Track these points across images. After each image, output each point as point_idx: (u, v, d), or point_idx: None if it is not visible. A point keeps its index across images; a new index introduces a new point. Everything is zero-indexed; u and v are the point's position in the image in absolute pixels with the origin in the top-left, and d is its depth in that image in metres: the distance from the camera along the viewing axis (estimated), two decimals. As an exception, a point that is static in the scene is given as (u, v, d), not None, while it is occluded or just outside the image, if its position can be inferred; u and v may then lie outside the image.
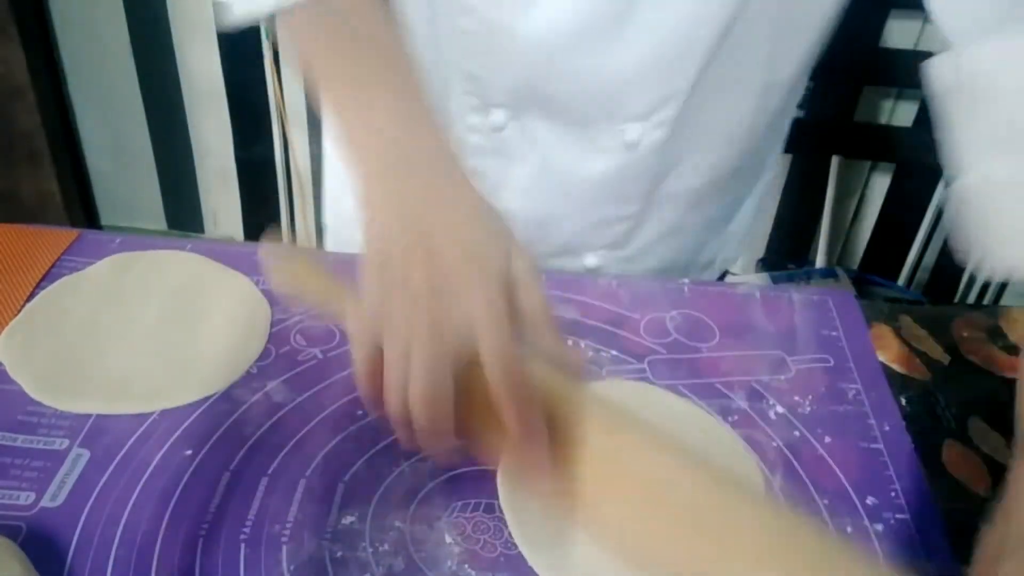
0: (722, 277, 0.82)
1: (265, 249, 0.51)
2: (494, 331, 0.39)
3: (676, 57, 0.55)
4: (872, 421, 0.53)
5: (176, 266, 0.61)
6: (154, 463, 0.48)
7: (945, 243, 1.53)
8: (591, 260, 0.69)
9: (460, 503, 0.46)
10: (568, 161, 0.62)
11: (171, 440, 0.49)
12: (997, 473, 0.51)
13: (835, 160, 1.54)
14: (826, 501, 0.48)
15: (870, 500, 0.48)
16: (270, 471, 0.47)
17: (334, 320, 0.51)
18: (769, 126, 0.65)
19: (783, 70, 0.60)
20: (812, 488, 0.49)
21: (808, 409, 0.53)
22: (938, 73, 0.51)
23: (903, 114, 1.51)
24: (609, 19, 0.53)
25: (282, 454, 0.48)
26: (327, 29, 0.49)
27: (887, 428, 0.53)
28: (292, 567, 0.43)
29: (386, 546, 0.44)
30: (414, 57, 0.48)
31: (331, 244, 0.80)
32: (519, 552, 0.44)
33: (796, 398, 0.54)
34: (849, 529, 0.46)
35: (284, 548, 0.44)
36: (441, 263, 0.40)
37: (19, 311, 0.56)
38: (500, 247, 0.42)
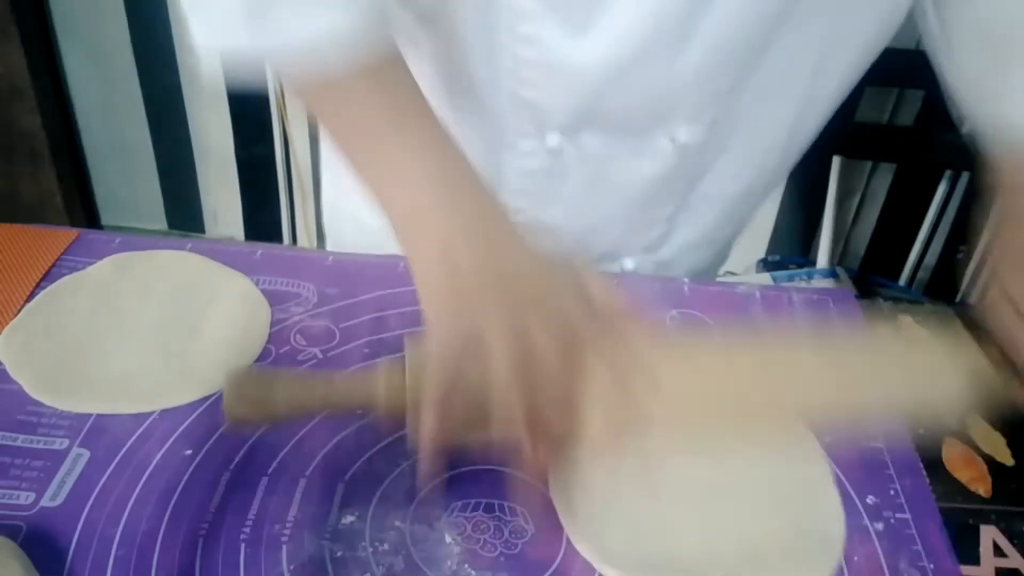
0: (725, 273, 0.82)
1: (226, 378, 0.45)
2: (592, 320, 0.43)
3: (728, 60, 0.54)
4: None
5: (176, 266, 0.61)
6: (154, 463, 0.48)
7: (945, 243, 1.52)
8: (629, 263, 0.69)
9: (460, 503, 0.46)
10: (618, 168, 0.61)
11: (171, 440, 0.49)
12: (997, 473, 0.51)
13: (836, 160, 1.54)
14: (826, 501, 0.48)
15: (870, 500, 0.48)
16: (270, 471, 0.47)
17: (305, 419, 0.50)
18: (807, 136, 0.64)
19: (826, 84, 0.60)
20: (812, 488, 0.48)
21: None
22: None
23: (904, 114, 1.51)
24: (671, 34, 0.52)
25: (282, 454, 0.48)
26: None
27: (887, 428, 0.53)
28: (292, 567, 0.43)
29: (386, 546, 0.44)
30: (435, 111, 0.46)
31: (331, 245, 0.80)
32: (519, 552, 0.44)
33: (796, 398, 0.54)
34: (849, 529, 0.46)
35: (284, 548, 0.44)
36: (518, 279, 0.42)
37: (19, 311, 0.56)
38: (569, 269, 0.45)
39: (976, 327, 0.52)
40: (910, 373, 0.50)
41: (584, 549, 0.44)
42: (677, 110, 0.57)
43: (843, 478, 0.49)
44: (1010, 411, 0.50)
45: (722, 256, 0.76)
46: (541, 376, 0.41)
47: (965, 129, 0.55)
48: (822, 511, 0.47)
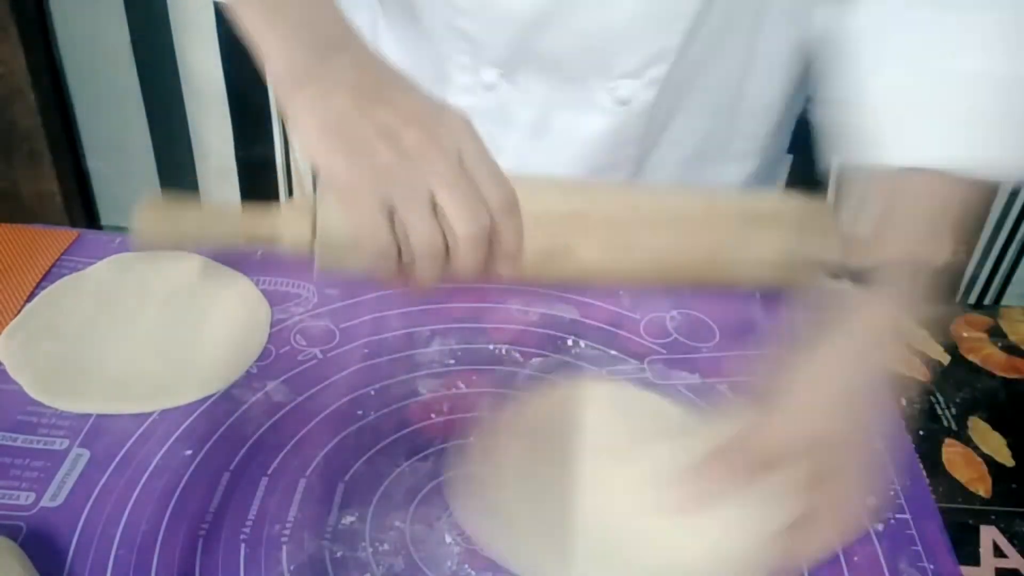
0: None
1: (138, 205, 0.46)
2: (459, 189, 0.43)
3: (666, 13, 0.55)
4: (872, 421, 0.53)
5: (176, 266, 0.61)
6: (154, 463, 0.48)
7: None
8: None
9: (460, 503, 0.46)
10: (562, 120, 0.62)
11: (171, 440, 0.49)
12: (997, 473, 0.51)
13: (835, 160, 1.54)
14: (826, 501, 0.48)
15: (870, 500, 0.48)
16: (270, 471, 0.47)
17: (219, 246, 0.52)
18: (757, 107, 0.65)
19: (766, 44, 0.61)
20: (812, 488, 0.48)
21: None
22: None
23: (903, 114, 1.51)
24: None
25: (282, 454, 0.48)
26: None
27: (887, 428, 0.53)
28: (292, 567, 0.43)
29: (386, 546, 0.44)
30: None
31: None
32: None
33: (796, 398, 0.54)
34: (849, 529, 0.46)
35: (284, 548, 0.44)
36: (405, 144, 0.43)
37: (19, 311, 0.56)
38: (453, 122, 0.45)
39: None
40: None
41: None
42: (617, 63, 0.58)
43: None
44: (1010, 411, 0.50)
45: None
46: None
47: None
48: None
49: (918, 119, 0.49)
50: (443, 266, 0.44)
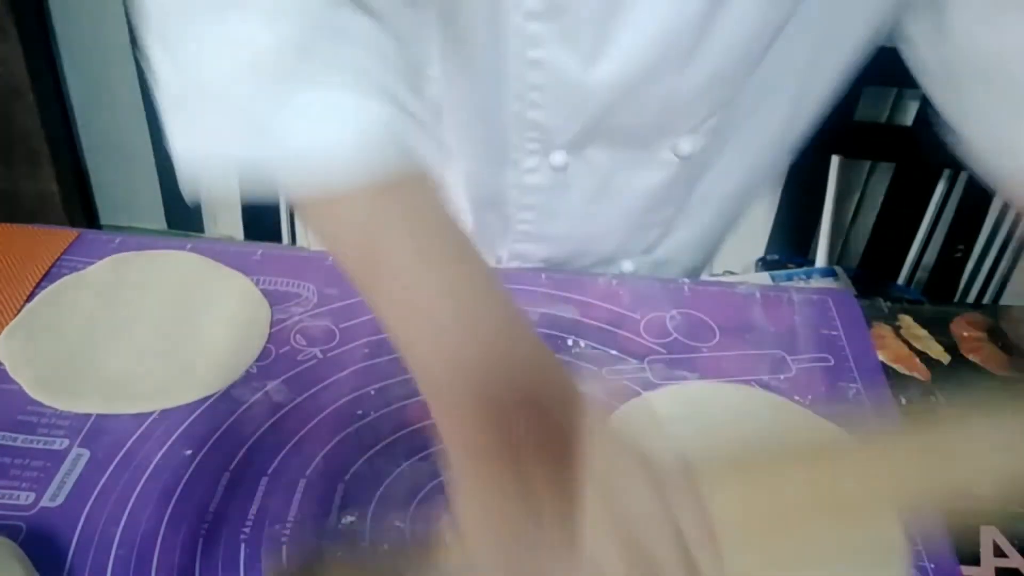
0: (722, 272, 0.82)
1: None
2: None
3: (731, 72, 0.54)
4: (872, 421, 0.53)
5: (176, 266, 0.61)
6: (154, 463, 0.48)
7: (944, 242, 1.52)
8: (627, 265, 0.69)
9: (460, 503, 0.46)
10: (622, 180, 0.61)
11: (171, 440, 0.49)
12: (997, 473, 0.51)
13: (835, 160, 1.54)
14: (826, 501, 0.48)
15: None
16: (270, 471, 0.47)
17: None
18: (799, 135, 0.64)
19: (818, 81, 0.60)
20: (812, 488, 0.48)
21: (808, 409, 0.53)
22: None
23: (903, 114, 1.51)
24: (678, 52, 0.51)
25: (282, 454, 0.48)
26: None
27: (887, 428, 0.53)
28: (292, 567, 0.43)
29: (386, 546, 0.44)
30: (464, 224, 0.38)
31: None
32: (519, 552, 0.44)
33: (796, 397, 0.54)
34: (849, 529, 0.46)
35: (284, 548, 0.44)
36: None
37: (19, 311, 0.56)
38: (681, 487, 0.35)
39: None
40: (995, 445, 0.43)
41: None
42: (681, 122, 0.57)
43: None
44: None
45: (718, 246, 0.75)
46: None
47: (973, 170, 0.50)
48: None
49: None
50: None
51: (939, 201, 1.51)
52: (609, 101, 0.54)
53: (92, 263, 0.61)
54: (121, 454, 0.48)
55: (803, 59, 0.57)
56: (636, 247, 0.68)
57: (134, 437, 0.49)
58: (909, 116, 1.51)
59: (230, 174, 0.38)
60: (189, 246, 0.63)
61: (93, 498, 0.45)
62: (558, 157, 0.58)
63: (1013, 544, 0.47)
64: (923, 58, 0.52)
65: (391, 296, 0.36)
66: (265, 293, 0.59)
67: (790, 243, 1.72)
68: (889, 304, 0.63)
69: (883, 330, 0.60)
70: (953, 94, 0.50)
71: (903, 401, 0.55)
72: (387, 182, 0.36)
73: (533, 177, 0.60)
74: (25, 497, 0.45)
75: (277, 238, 1.91)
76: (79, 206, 1.91)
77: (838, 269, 1.58)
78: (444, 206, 0.37)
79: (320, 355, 0.55)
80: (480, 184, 0.64)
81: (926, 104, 0.53)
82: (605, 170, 0.60)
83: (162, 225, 2.00)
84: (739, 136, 0.60)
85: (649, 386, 0.54)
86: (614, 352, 0.56)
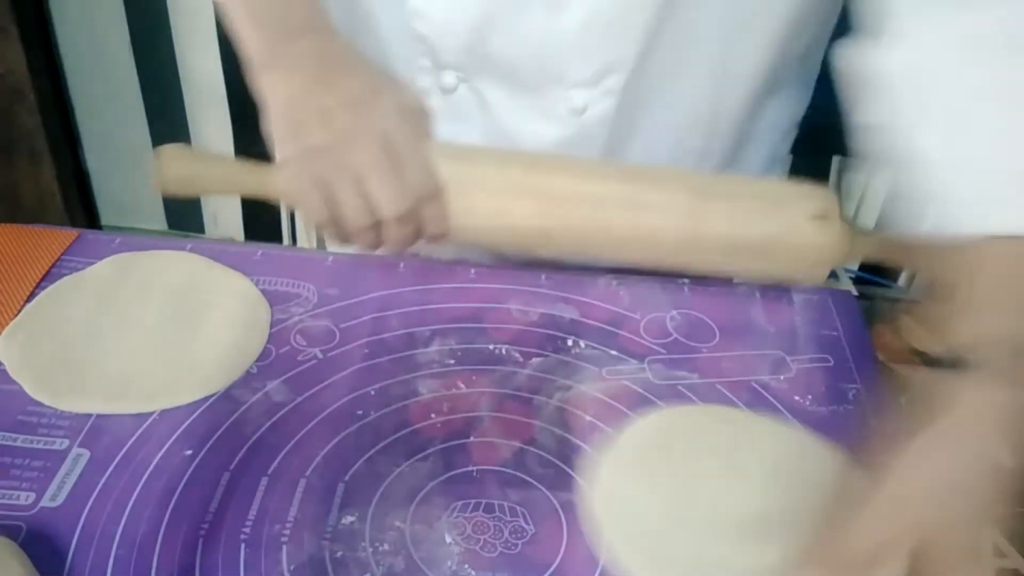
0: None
1: (158, 152, 0.55)
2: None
3: (618, 23, 0.55)
4: (872, 420, 0.53)
5: (176, 266, 0.61)
6: (154, 463, 0.48)
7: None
8: None
9: (460, 503, 0.46)
10: (518, 127, 0.62)
11: (171, 440, 0.49)
12: (997, 473, 0.51)
13: (835, 160, 1.54)
14: (826, 501, 0.48)
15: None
16: (270, 471, 0.47)
17: (237, 193, 0.59)
18: (733, 126, 0.64)
19: (737, 65, 0.60)
20: (812, 488, 0.48)
21: (808, 409, 0.53)
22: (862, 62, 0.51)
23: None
24: None
25: (282, 454, 0.48)
26: None
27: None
28: (292, 567, 0.43)
29: (386, 546, 0.44)
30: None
31: (335, 245, 0.80)
32: (519, 552, 0.44)
33: (796, 398, 0.54)
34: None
35: (284, 548, 0.44)
36: (336, 127, 0.50)
37: (19, 311, 0.56)
38: (388, 106, 0.52)
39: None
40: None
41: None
42: (570, 71, 0.58)
43: (843, 478, 0.49)
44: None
45: None
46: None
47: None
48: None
49: (992, 181, 0.44)
50: (376, 239, 0.52)
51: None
52: (487, 18, 0.57)
53: (92, 263, 0.61)
54: (121, 454, 0.48)
55: (716, 35, 0.57)
56: None
57: (134, 437, 0.49)
58: (909, 116, 1.51)
59: None
60: (189, 246, 0.63)
61: (93, 498, 0.45)
62: (448, 77, 0.61)
63: (1013, 544, 0.47)
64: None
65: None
66: (265, 293, 0.59)
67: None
68: (889, 304, 0.63)
69: (883, 330, 0.60)
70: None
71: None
72: None
73: (429, 100, 0.61)
74: (25, 497, 0.45)
75: (277, 238, 1.92)
76: (79, 206, 1.91)
77: (838, 269, 1.58)
78: None
79: (320, 355, 0.55)
80: None
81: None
82: (497, 109, 0.62)
83: (162, 225, 2.00)
84: (655, 112, 0.61)
85: (649, 386, 0.54)
86: (614, 352, 0.57)
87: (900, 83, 0.49)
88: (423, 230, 0.53)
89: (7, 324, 0.55)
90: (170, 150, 0.56)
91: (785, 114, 0.70)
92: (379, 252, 0.55)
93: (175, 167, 0.57)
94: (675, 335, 0.58)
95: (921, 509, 0.39)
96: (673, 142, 0.64)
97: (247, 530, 0.44)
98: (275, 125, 0.52)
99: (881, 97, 0.50)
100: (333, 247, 0.78)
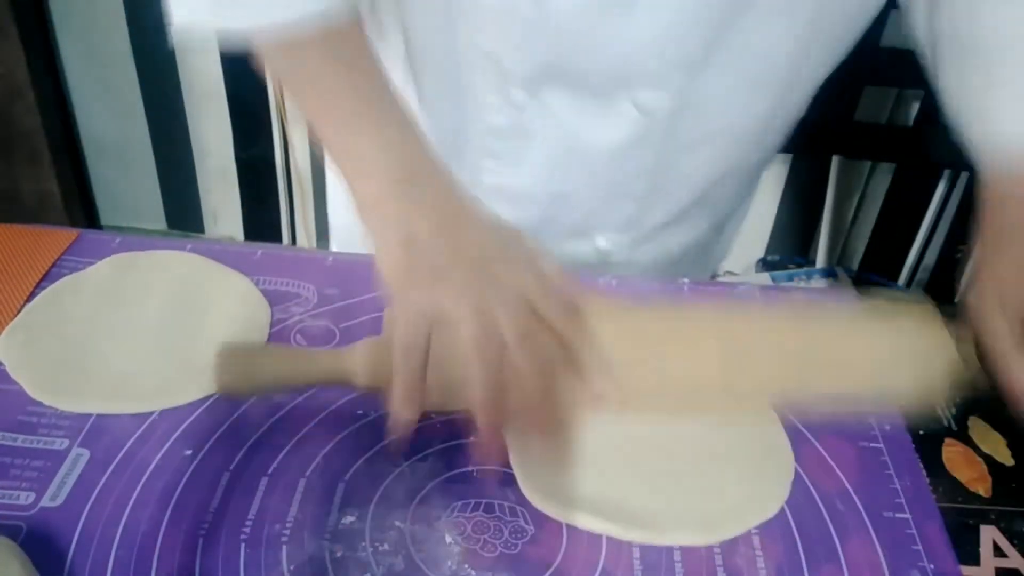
0: (713, 276, 0.82)
1: (217, 353, 0.47)
2: (548, 295, 0.46)
3: (689, 24, 0.55)
4: (872, 421, 0.53)
5: (176, 266, 0.61)
6: (154, 463, 0.48)
7: (944, 243, 1.53)
8: (601, 242, 0.69)
9: (460, 503, 0.46)
10: (585, 132, 0.62)
11: (171, 440, 0.49)
12: (997, 473, 0.51)
13: (835, 160, 1.54)
14: (826, 501, 0.48)
15: (870, 500, 0.48)
16: (270, 471, 0.47)
17: (305, 390, 0.52)
18: (783, 128, 0.65)
19: (806, 73, 0.60)
20: (812, 488, 0.49)
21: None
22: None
23: (903, 114, 1.51)
24: None
25: (282, 454, 0.48)
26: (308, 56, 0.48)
27: (887, 428, 0.53)
28: (292, 567, 0.43)
29: (386, 546, 0.44)
30: (393, 84, 0.50)
31: (335, 245, 0.80)
32: (519, 552, 0.44)
33: (796, 398, 0.54)
34: (849, 529, 0.46)
35: (284, 548, 0.44)
36: (475, 254, 0.46)
37: (19, 311, 0.56)
38: (523, 244, 0.48)
39: (955, 322, 0.54)
40: (888, 358, 0.52)
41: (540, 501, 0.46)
42: (640, 73, 0.57)
43: (843, 478, 0.49)
44: (1006, 412, 0.50)
45: (701, 238, 0.74)
46: (501, 352, 0.44)
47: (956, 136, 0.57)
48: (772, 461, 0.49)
49: None
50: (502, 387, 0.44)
51: (939, 202, 1.52)
52: (560, 35, 0.56)
53: (92, 263, 0.61)
54: (121, 454, 0.48)
55: (788, 47, 0.57)
56: (609, 220, 0.68)
57: (134, 437, 0.49)
58: (910, 116, 1.51)
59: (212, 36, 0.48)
60: (189, 246, 0.63)
61: (93, 498, 0.45)
62: (517, 94, 0.60)
63: (1013, 544, 0.47)
64: (920, 33, 0.60)
65: (340, 152, 0.48)
66: (265, 293, 0.59)
67: (790, 243, 1.72)
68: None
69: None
70: (938, 63, 0.59)
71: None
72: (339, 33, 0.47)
73: (494, 116, 0.61)
74: (25, 497, 0.45)
75: (277, 238, 1.92)
76: (79, 206, 1.91)
77: (838, 270, 1.58)
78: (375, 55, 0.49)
79: (320, 355, 0.55)
80: (443, 122, 0.64)
81: (926, 105, 0.56)
82: (566, 117, 0.61)
83: (162, 225, 2.00)
84: (713, 114, 0.60)
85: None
86: (614, 352, 0.56)
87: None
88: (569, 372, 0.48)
89: (7, 324, 0.55)
90: (229, 353, 0.48)
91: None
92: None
93: (234, 367, 0.48)
94: (675, 335, 0.58)
95: None
96: (727, 152, 0.64)
97: (247, 530, 0.44)
98: (398, 264, 0.46)
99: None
100: (335, 248, 0.78)
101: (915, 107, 1.49)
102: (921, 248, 1.58)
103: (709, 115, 0.60)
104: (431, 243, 0.46)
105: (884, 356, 0.52)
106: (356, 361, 0.47)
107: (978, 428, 0.54)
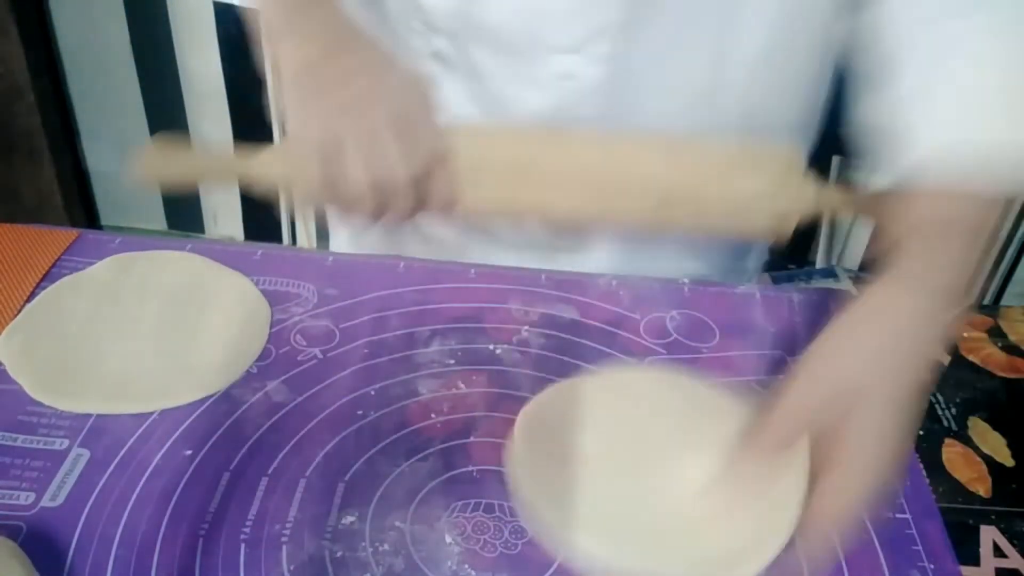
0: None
1: (141, 149, 0.57)
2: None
3: None
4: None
5: (176, 266, 0.61)
6: (154, 463, 0.48)
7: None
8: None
9: (460, 503, 0.46)
10: (509, 94, 0.62)
11: (171, 440, 0.49)
12: (997, 473, 0.51)
13: (835, 160, 1.54)
14: (826, 501, 0.48)
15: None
16: (270, 471, 0.48)
17: (224, 183, 0.60)
18: (738, 100, 0.64)
19: (736, 41, 0.60)
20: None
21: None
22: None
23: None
24: None
25: (282, 454, 0.48)
26: None
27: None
28: (292, 567, 0.43)
29: (386, 546, 0.44)
30: None
31: (335, 245, 0.80)
32: (519, 552, 0.44)
33: (796, 398, 0.54)
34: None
35: (284, 548, 0.44)
36: (354, 90, 0.52)
37: (19, 311, 0.56)
38: (404, 74, 0.54)
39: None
40: (744, 197, 0.57)
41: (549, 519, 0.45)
42: (554, 36, 0.58)
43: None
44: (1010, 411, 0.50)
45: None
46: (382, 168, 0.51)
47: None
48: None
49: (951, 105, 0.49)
50: (382, 204, 0.52)
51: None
52: None
53: (92, 263, 0.61)
54: (121, 454, 0.48)
55: (713, 22, 0.58)
56: None
57: (134, 437, 0.49)
58: (909, 116, 1.51)
59: None
60: (189, 246, 0.63)
61: (93, 498, 0.45)
62: (438, 41, 0.62)
63: (1013, 544, 0.47)
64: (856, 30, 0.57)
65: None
66: (265, 293, 0.59)
67: (790, 244, 1.71)
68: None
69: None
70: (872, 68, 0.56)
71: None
72: None
73: (422, 64, 0.62)
74: (25, 497, 0.45)
75: (277, 238, 1.92)
76: (79, 206, 1.91)
77: (838, 270, 1.58)
78: None
79: (320, 355, 0.55)
80: None
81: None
82: (491, 77, 0.62)
83: (162, 225, 2.00)
84: (649, 85, 0.60)
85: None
86: (614, 352, 0.56)
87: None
88: (429, 199, 0.54)
89: (7, 324, 0.55)
90: (156, 144, 0.58)
91: (802, 91, 0.68)
92: (382, 222, 0.54)
93: (159, 158, 0.60)
94: (675, 335, 0.58)
95: (840, 367, 0.44)
96: (675, 114, 0.63)
97: (247, 530, 0.44)
98: (294, 88, 0.53)
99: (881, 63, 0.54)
100: (335, 248, 0.78)
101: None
102: (921, 248, 1.58)
103: (642, 90, 0.60)
104: (319, 66, 0.53)
105: (741, 196, 0.57)
106: (263, 167, 0.56)
107: (978, 428, 0.54)
